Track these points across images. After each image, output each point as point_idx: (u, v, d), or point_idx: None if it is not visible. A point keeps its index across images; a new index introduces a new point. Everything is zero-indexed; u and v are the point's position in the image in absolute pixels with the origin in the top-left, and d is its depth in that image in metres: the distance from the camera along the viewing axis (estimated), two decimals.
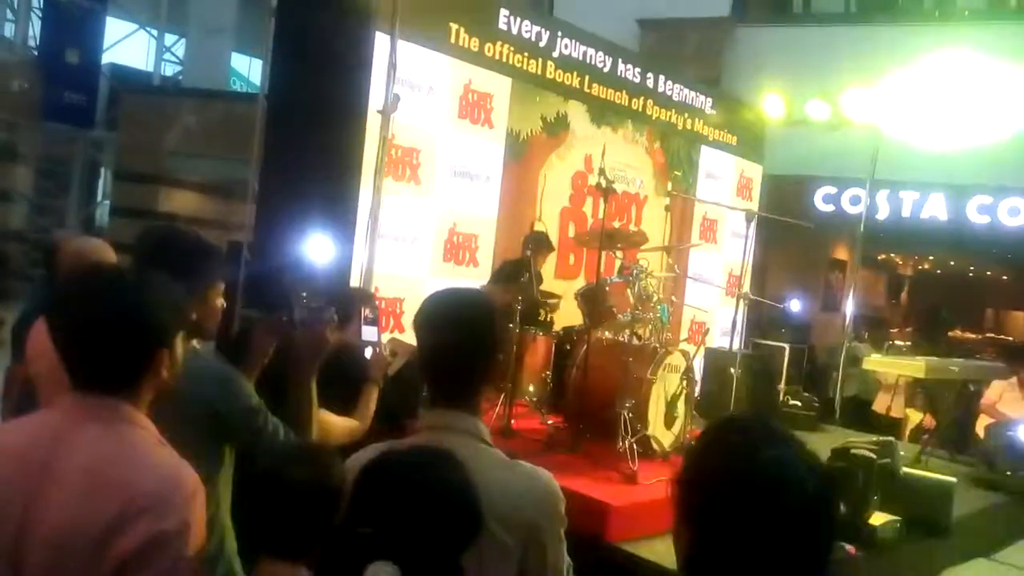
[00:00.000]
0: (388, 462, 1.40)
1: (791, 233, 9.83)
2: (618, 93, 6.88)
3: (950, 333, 12.49)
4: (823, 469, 1.13)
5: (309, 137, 5.14)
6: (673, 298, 6.14)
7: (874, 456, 4.42)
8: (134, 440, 1.47)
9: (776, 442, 1.12)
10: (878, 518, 4.37)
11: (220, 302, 2.24)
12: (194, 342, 2.08)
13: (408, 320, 5.24)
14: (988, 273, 18.56)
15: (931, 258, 17.96)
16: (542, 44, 6.19)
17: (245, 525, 1.57)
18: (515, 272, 5.26)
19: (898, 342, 9.75)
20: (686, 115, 7.63)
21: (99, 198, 16.23)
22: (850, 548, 4.12)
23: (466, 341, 1.70)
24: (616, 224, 6.54)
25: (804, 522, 1.08)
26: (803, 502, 1.08)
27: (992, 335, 16.83)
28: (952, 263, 17.96)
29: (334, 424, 2.56)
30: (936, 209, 10.60)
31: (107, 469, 1.42)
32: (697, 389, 5.41)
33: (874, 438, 5.05)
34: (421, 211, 5.44)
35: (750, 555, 1.08)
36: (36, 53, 14.81)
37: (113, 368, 1.48)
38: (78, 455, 1.43)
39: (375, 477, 1.37)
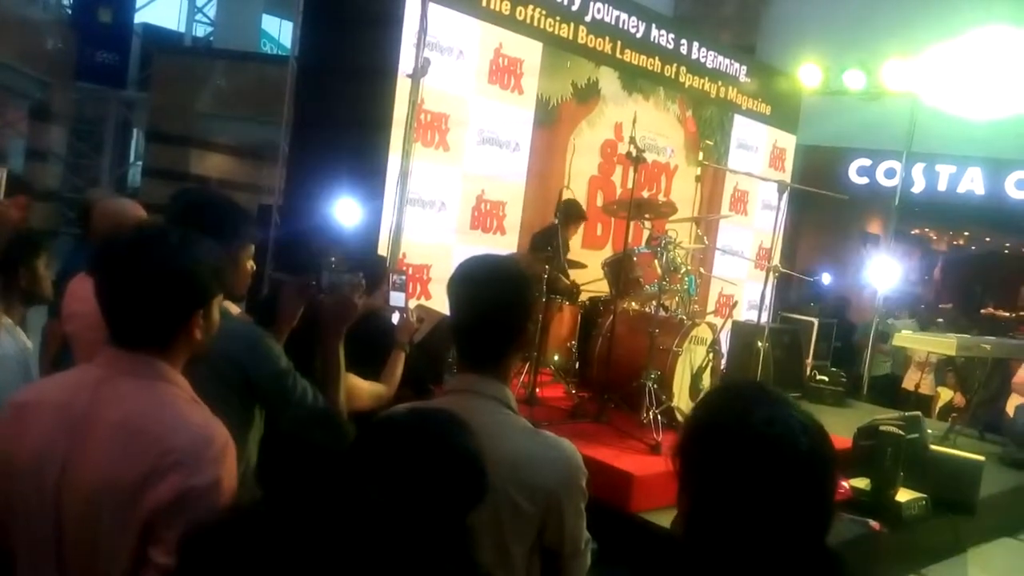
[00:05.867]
0: (388, 421, 1.39)
1: (824, 206, 9.70)
2: (650, 59, 6.77)
3: (983, 310, 12.30)
4: (816, 427, 1.13)
5: (339, 101, 5.13)
6: (701, 270, 6.08)
7: (902, 432, 4.38)
8: (168, 397, 1.50)
9: (769, 403, 1.13)
10: (904, 495, 4.34)
11: (251, 264, 2.25)
12: (226, 303, 2.09)
13: (434, 287, 5.28)
14: None
15: (966, 234, 17.61)
16: (574, 8, 6.09)
17: (264, 486, 1.56)
18: (544, 242, 5.24)
19: (938, 320, 9.60)
20: (719, 83, 7.50)
21: (131, 159, 16.38)
22: (875, 524, 4.11)
23: (497, 307, 1.70)
24: (645, 194, 6.48)
25: (798, 479, 1.08)
26: (797, 459, 1.08)
27: None
28: (988, 239, 17.60)
29: (361, 388, 2.58)
30: (973, 183, 10.37)
31: (142, 423, 1.45)
32: (723, 362, 5.38)
33: (901, 414, 5.01)
34: (449, 178, 5.42)
35: (747, 514, 1.08)
36: (69, 12, 14.87)
37: (152, 325, 1.51)
38: (115, 409, 1.46)
39: (374, 435, 1.36)
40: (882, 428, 4.41)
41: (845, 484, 4.37)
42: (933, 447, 4.84)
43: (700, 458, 1.13)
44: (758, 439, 1.09)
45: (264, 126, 9.21)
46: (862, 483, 4.36)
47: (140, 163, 15.67)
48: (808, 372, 6.95)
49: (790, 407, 1.13)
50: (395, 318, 2.87)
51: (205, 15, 17.75)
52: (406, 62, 4.93)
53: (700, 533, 1.13)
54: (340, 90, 5.15)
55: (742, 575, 1.10)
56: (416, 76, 4.90)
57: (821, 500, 1.11)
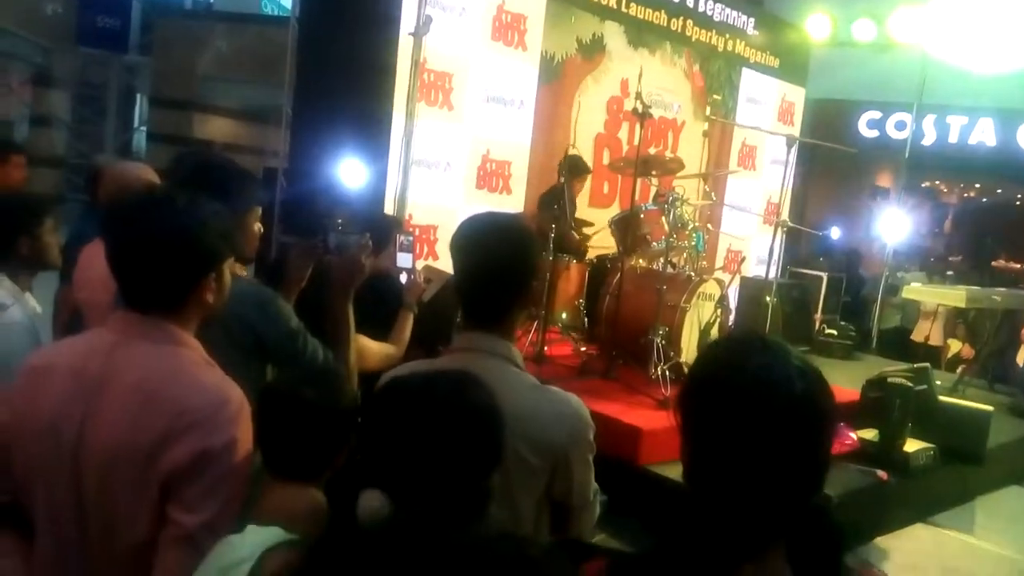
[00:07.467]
0: (403, 383, 1.37)
1: (833, 160, 9.63)
2: (656, 13, 6.66)
3: (994, 262, 12.24)
4: (814, 372, 1.13)
5: (341, 61, 5.09)
6: (709, 226, 6.06)
7: (911, 384, 4.40)
8: (182, 359, 1.52)
9: (766, 350, 1.13)
10: (912, 445, 4.38)
11: (258, 227, 2.26)
12: (236, 266, 2.10)
13: (441, 247, 5.29)
14: None
15: (977, 185, 17.45)
16: None
17: (259, 445, 1.57)
18: (550, 200, 5.22)
19: (948, 272, 9.56)
20: (727, 36, 7.38)
21: (136, 123, 16.33)
22: (883, 474, 4.15)
23: (500, 264, 1.70)
24: (652, 150, 6.43)
25: (794, 422, 1.09)
26: (791, 402, 1.08)
27: None
28: (999, 191, 17.44)
29: (370, 349, 2.60)
30: (984, 135, 10.26)
31: (156, 386, 1.47)
32: (731, 318, 5.38)
33: (910, 365, 5.03)
34: (454, 137, 5.38)
35: (743, 460, 1.09)
36: None
37: (163, 289, 1.52)
38: (129, 372, 1.48)
39: (388, 398, 1.34)
40: (890, 380, 4.43)
41: (853, 435, 4.40)
42: (942, 398, 4.86)
43: (698, 405, 1.14)
44: (753, 382, 1.10)
45: (267, 88, 9.15)
46: (870, 434, 4.40)
47: (144, 128, 15.63)
48: (817, 326, 6.96)
49: (788, 354, 1.14)
50: (403, 279, 2.88)
51: None
52: (408, 20, 4.87)
53: (700, 481, 1.15)
54: (342, 50, 5.10)
55: (739, 522, 1.11)
56: (418, 34, 4.85)
57: (817, 444, 1.12)
